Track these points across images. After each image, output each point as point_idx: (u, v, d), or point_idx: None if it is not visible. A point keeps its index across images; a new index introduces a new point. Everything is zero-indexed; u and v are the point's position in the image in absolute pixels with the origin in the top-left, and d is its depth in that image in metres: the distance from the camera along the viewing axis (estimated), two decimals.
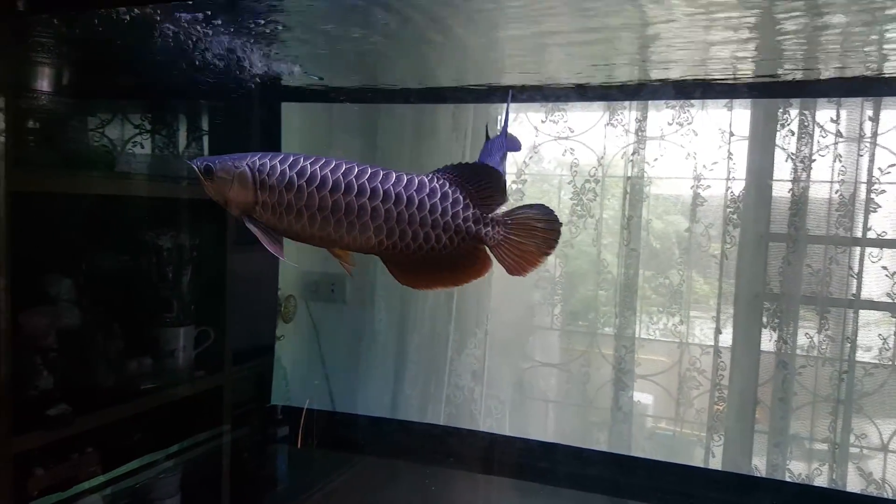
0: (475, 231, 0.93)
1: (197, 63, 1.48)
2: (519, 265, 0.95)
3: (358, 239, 0.98)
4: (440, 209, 0.92)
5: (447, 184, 0.94)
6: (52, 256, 1.55)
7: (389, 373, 2.10)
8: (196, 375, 1.76)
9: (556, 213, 0.97)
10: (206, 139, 1.88)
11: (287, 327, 2.14)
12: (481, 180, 0.95)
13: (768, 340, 1.81)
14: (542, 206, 0.98)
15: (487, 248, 0.95)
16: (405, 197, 0.93)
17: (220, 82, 1.58)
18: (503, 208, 0.96)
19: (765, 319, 1.82)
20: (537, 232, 0.95)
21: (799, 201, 1.77)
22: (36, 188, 1.40)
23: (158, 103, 1.78)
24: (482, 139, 2.01)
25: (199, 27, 1.40)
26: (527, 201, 2.00)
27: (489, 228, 0.93)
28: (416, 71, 1.83)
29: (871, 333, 1.81)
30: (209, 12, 1.33)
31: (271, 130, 1.89)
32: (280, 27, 1.41)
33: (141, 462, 1.67)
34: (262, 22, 1.38)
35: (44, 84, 1.43)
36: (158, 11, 1.32)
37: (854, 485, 1.76)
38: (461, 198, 0.93)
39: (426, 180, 0.95)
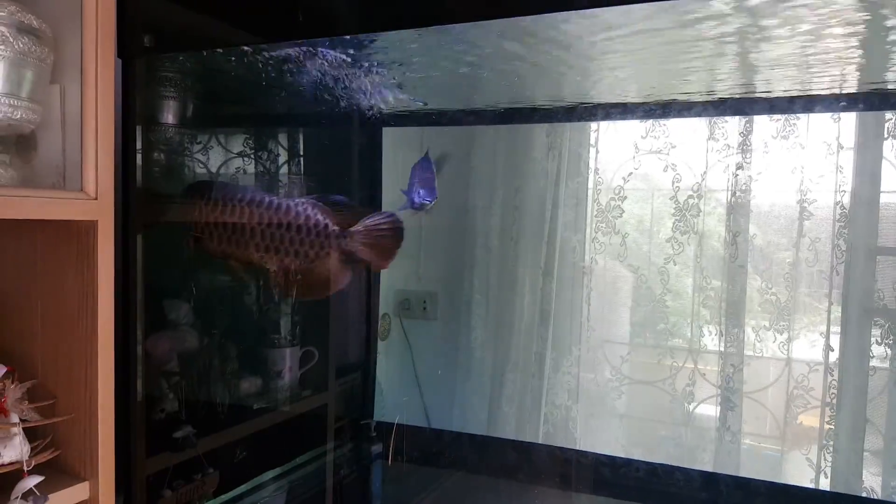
0: (335, 242, 1.22)
1: (308, 93, 1.52)
2: (377, 262, 1.29)
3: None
4: (305, 229, 1.20)
5: (309, 208, 1.22)
6: (171, 282, 1.60)
7: (485, 390, 2.10)
8: (302, 395, 1.80)
9: (396, 216, 1.28)
10: (315, 164, 1.91)
11: (382, 345, 2.17)
12: (338, 204, 1.27)
13: (882, 357, 1.76)
14: (387, 213, 1.26)
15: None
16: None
17: (328, 110, 1.61)
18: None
19: (877, 335, 1.76)
20: (384, 234, 1.25)
21: None
22: (162, 218, 1.45)
23: (267, 130, 1.82)
24: (576, 160, 2.02)
25: (312, 59, 1.43)
26: (626, 218, 1.99)
27: (345, 239, 1.23)
28: (511, 91, 1.83)
29: None
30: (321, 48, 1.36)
31: (373, 155, 1.91)
32: (385, 56, 1.43)
33: (252, 483, 1.71)
34: (370, 53, 1.40)
35: (168, 117, 1.47)
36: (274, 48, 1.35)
37: None
38: (321, 219, 1.21)
39: (293, 205, 1.23)
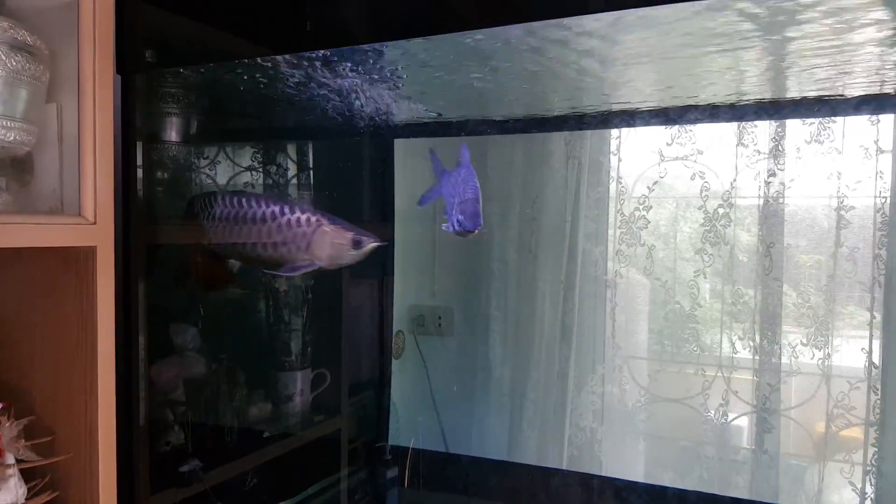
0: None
1: (316, 106, 1.46)
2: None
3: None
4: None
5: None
6: (176, 305, 1.54)
7: (505, 411, 2.01)
8: (315, 419, 1.72)
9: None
10: (325, 177, 1.85)
11: (396, 363, 2.09)
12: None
13: None
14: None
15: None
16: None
17: (337, 122, 1.55)
18: None
19: None
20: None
21: None
22: (165, 240, 1.39)
23: (279, 144, 1.77)
24: (597, 169, 1.94)
25: (320, 71, 1.37)
26: (651, 228, 1.91)
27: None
28: (528, 99, 1.76)
29: None
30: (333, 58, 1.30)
31: (385, 165, 1.85)
32: (398, 68, 1.37)
33: None
34: (381, 66, 1.35)
35: (171, 134, 1.42)
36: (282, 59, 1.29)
37: None
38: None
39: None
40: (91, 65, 1.08)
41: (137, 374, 1.21)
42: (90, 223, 1.09)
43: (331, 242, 1.16)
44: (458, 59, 1.35)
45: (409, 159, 1.98)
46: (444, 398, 2.11)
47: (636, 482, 1.87)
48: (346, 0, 1.22)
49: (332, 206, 1.87)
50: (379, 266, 1.97)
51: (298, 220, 1.16)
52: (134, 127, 1.18)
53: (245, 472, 1.55)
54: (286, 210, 1.17)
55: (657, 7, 1.12)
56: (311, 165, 1.75)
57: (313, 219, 1.16)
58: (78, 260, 1.10)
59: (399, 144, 1.91)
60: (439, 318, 2.12)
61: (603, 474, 1.91)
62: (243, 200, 1.22)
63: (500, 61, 1.37)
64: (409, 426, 2.10)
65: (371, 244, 1.18)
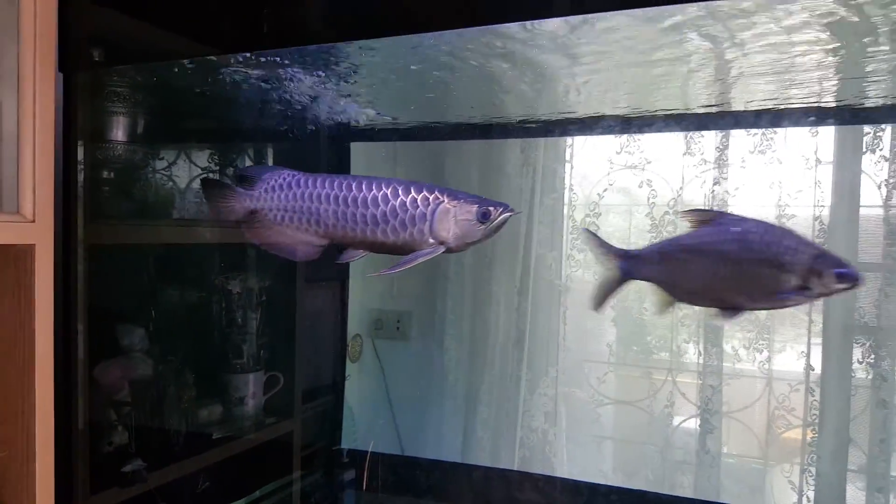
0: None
1: (270, 107, 1.47)
2: None
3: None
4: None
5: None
6: (124, 306, 1.53)
7: (460, 414, 2.03)
8: (266, 422, 1.72)
9: None
10: None
11: (353, 367, 2.10)
12: None
13: (863, 376, 1.71)
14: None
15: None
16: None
17: (292, 125, 1.56)
18: None
19: (858, 354, 1.72)
20: None
21: (894, 229, 1.68)
22: (110, 240, 1.38)
23: (229, 146, 1.77)
24: (551, 176, 1.97)
25: (273, 74, 1.38)
26: (601, 234, 1.94)
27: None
28: (484, 105, 1.79)
29: None
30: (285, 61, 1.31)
31: (341, 170, 1.86)
32: (352, 72, 1.39)
33: None
34: (335, 69, 1.36)
35: (118, 134, 1.41)
36: (233, 60, 1.30)
37: None
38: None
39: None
40: (31, 62, 1.07)
41: (77, 374, 1.20)
42: (29, 221, 1.08)
43: (455, 220, 1.05)
44: (413, 65, 1.37)
45: (367, 163, 1.99)
46: (401, 401, 2.12)
47: (585, 482, 1.90)
48: (299, 1, 1.23)
49: None
50: (335, 269, 1.97)
51: (414, 200, 1.06)
52: (76, 125, 1.18)
53: (193, 474, 1.54)
54: (399, 192, 1.07)
55: (610, 17, 1.16)
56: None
57: (430, 196, 1.05)
58: (16, 258, 1.09)
59: (357, 148, 1.92)
60: (398, 321, 2.13)
61: (554, 475, 1.94)
62: (343, 184, 1.11)
63: (454, 68, 1.39)
64: (366, 429, 2.10)
65: (502, 215, 1.05)
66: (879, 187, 1.69)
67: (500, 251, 2.02)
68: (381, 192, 1.06)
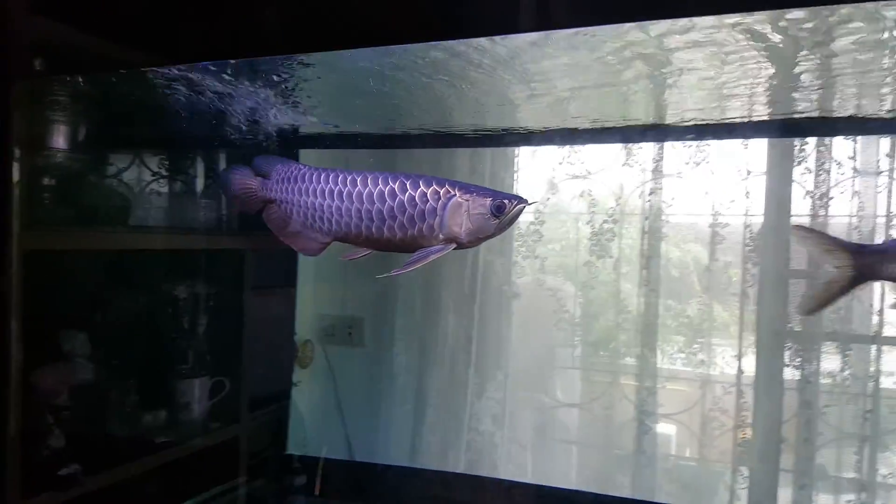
0: None
1: (214, 114, 1.49)
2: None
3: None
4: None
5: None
6: (67, 312, 1.53)
7: (409, 418, 2.06)
8: (212, 427, 1.73)
9: None
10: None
11: (304, 373, 2.11)
12: None
13: (792, 379, 1.79)
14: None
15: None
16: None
17: (237, 132, 1.58)
18: None
19: (787, 357, 1.80)
20: None
21: None
22: (50, 246, 1.39)
23: (174, 155, 1.78)
24: (499, 184, 2.02)
25: (215, 80, 1.40)
26: (545, 242, 2.00)
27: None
28: (433, 115, 1.83)
29: (894, 369, 1.78)
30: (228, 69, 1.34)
31: None
32: (296, 79, 1.42)
33: None
34: (278, 77, 1.39)
35: (59, 141, 1.42)
36: (174, 69, 1.32)
37: None
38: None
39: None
40: None
41: (10, 379, 1.21)
42: None
43: (468, 214, 1.00)
44: (360, 74, 1.41)
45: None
46: (352, 407, 2.15)
47: (529, 483, 1.95)
48: (244, 11, 1.25)
49: (226, 216, 1.87)
50: (282, 275, 1.99)
51: (424, 195, 1.01)
52: (11, 133, 1.19)
53: (135, 477, 1.55)
54: (408, 186, 1.02)
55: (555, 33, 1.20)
56: (206, 175, 1.77)
57: (441, 190, 1.01)
58: None
59: (307, 155, 1.94)
60: (350, 327, 2.15)
61: (499, 477, 1.98)
62: (349, 178, 1.05)
63: (404, 79, 1.42)
64: (316, 435, 2.12)
65: (516, 207, 1.00)
66: (804, 197, 1.77)
67: (450, 258, 2.06)
68: (389, 187, 1.02)
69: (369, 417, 2.11)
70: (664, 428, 1.92)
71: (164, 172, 1.85)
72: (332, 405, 2.14)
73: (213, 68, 1.33)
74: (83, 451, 1.43)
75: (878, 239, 1.73)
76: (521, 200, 1.02)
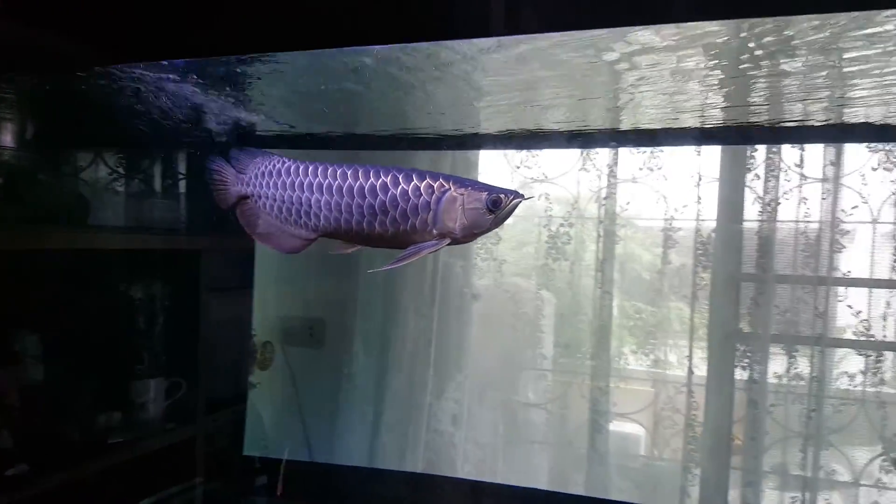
0: None
1: (167, 115, 1.48)
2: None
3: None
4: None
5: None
6: (18, 312, 1.52)
7: (368, 419, 2.08)
8: (167, 428, 1.72)
9: None
10: (179, 189, 1.86)
11: (264, 374, 2.11)
12: None
13: (741, 379, 1.84)
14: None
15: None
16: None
17: (190, 133, 1.58)
18: None
19: (737, 358, 1.85)
20: None
21: (766, 242, 1.81)
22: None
23: (128, 155, 1.77)
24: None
25: (167, 80, 1.40)
26: (502, 245, 2.03)
27: None
28: (394, 117, 1.84)
29: (838, 370, 1.84)
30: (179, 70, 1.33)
31: None
32: (251, 80, 1.42)
33: None
34: (232, 75, 1.39)
35: (6, 139, 1.40)
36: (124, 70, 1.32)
37: None
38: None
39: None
40: None
41: None
42: None
43: (463, 209, 0.98)
44: (313, 74, 1.41)
45: None
46: (311, 407, 2.15)
47: (487, 482, 1.97)
48: (192, 11, 1.25)
49: (182, 217, 1.86)
50: (239, 276, 1.99)
51: (417, 189, 0.98)
52: None
53: (88, 478, 1.54)
54: (400, 180, 0.98)
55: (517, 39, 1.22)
56: (167, 177, 1.76)
57: (435, 185, 0.98)
58: None
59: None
60: (311, 328, 2.16)
61: (458, 476, 2.01)
62: (338, 172, 1.01)
63: (365, 81, 1.42)
64: (275, 436, 2.12)
65: (512, 202, 0.98)
66: (753, 203, 1.83)
67: None
68: (381, 181, 0.99)
69: (329, 418, 2.12)
70: (618, 427, 1.96)
71: (119, 172, 1.84)
72: (292, 406, 2.14)
73: (164, 64, 1.32)
74: (33, 451, 1.42)
75: (824, 244, 1.80)
76: (517, 195, 1.00)
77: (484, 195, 0.98)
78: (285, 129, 1.71)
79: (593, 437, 1.91)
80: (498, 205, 0.98)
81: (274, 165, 1.06)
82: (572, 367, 1.99)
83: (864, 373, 1.80)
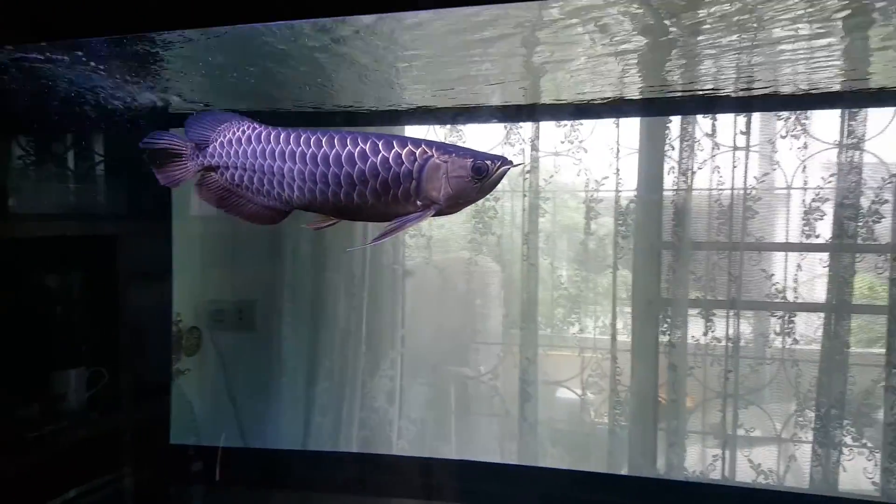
0: None
1: (73, 96, 1.43)
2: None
3: None
4: None
5: None
6: None
7: (300, 401, 2.07)
8: (90, 418, 1.68)
9: None
10: (95, 173, 1.80)
11: (192, 360, 2.08)
12: None
13: (663, 343, 1.91)
14: None
15: None
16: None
17: (101, 113, 1.53)
18: None
19: (659, 324, 1.91)
20: None
21: (681, 211, 1.87)
22: None
23: (40, 138, 1.70)
24: None
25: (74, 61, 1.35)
26: (431, 220, 2.04)
27: None
28: (314, 93, 1.82)
29: (753, 332, 1.93)
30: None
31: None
32: (161, 59, 1.38)
33: None
34: (141, 55, 1.35)
35: None
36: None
37: (745, 476, 1.88)
38: None
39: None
40: None
41: None
42: None
43: (447, 177, 0.91)
44: (233, 53, 1.38)
45: None
46: (243, 392, 2.13)
47: (421, 457, 2.00)
48: None
49: (98, 201, 1.80)
50: (158, 261, 1.94)
51: (398, 156, 0.91)
52: None
53: (8, 472, 1.49)
54: (380, 147, 0.92)
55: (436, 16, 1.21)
56: (83, 160, 1.70)
57: (417, 151, 0.91)
58: None
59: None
60: (240, 311, 2.13)
61: (393, 453, 2.03)
62: (312, 139, 0.94)
63: (281, 57, 1.40)
64: (208, 423, 2.09)
65: (499, 169, 0.92)
66: (669, 173, 1.88)
67: (338, 238, 2.07)
68: (359, 148, 0.93)
69: (262, 402, 2.10)
70: (549, 394, 2.01)
71: (32, 156, 1.77)
72: (223, 392, 2.12)
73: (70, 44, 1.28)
74: None
75: (737, 210, 1.87)
76: (504, 161, 0.94)
77: (469, 162, 0.93)
78: (199, 107, 1.67)
79: (524, 407, 1.96)
80: (484, 172, 0.93)
81: (243, 132, 0.98)
82: (504, 338, 2.03)
83: (777, 333, 1.89)
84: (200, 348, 2.09)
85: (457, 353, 2.09)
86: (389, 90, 1.83)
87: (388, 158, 0.92)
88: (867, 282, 1.90)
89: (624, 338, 1.94)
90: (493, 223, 1.97)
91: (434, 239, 2.02)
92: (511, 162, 0.94)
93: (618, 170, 1.91)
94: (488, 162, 0.93)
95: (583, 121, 1.91)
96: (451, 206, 0.94)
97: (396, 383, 2.06)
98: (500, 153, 1.96)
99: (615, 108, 1.86)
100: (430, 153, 0.93)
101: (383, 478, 1.97)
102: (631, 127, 1.94)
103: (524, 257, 1.95)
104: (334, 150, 0.93)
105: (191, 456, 1.98)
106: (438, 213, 0.95)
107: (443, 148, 0.94)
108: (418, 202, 0.93)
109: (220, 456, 1.98)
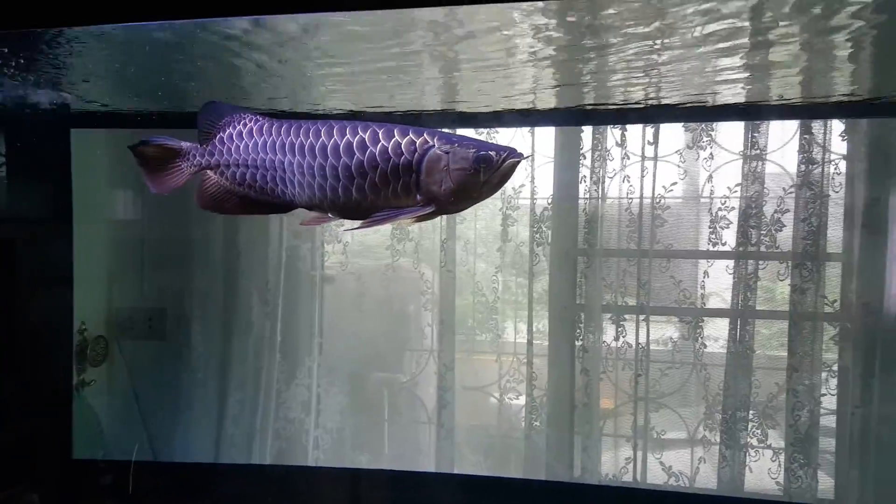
0: None
1: None
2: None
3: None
4: None
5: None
6: None
7: (212, 411, 2.01)
8: None
9: None
10: None
11: (99, 371, 1.99)
12: None
13: (577, 347, 1.94)
14: None
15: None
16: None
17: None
18: None
19: (573, 328, 1.94)
20: None
21: (593, 219, 1.91)
22: None
23: None
24: None
25: None
26: (348, 226, 2.02)
27: None
28: (229, 95, 1.78)
29: (662, 337, 1.98)
30: None
31: (60, 155, 1.74)
32: (53, 57, 1.33)
33: None
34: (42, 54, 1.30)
35: None
36: None
37: (657, 479, 1.91)
38: None
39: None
40: None
41: None
42: None
43: (448, 170, 0.84)
44: (136, 50, 1.34)
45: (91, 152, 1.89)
46: (152, 404, 2.05)
47: (335, 468, 1.97)
48: None
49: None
50: (59, 266, 1.86)
51: (398, 146, 0.85)
52: None
53: None
54: (380, 136, 0.86)
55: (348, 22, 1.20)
56: None
57: (418, 141, 0.85)
58: None
59: (80, 136, 1.81)
60: (150, 320, 2.05)
61: (309, 464, 1.99)
62: (301, 130, 0.88)
63: (190, 58, 1.36)
64: (115, 436, 2.00)
65: (506, 161, 0.84)
66: (581, 181, 1.92)
67: (252, 245, 2.02)
68: (358, 137, 0.87)
69: (172, 413, 2.03)
70: (464, 402, 2.01)
71: None
72: (131, 404, 2.03)
73: None
74: None
75: (646, 218, 1.92)
76: (512, 153, 0.86)
77: (471, 153, 0.85)
78: (98, 108, 1.62)
79: (439, 412, 1.95)
80: (489, 163, 0.84)
81: (244, 125, 0.93)
82: (421, 344, 2.02)
83: (686, 339, 1.95)
84: (107, 358, 2.01)
85: (376, 360, 2.08)
86: (306, 94, 1.82)
87: (387, 148, 0.87)
88: (769, 288, 1.98)
89: (540, 342, 1.96)
90: (411, 230, 1.97)
91: (351, 245, 2.00)
92: (521, 154, 0.87)
93: (533, 178, 1.94)
94: (493, 153, 0.85)
95: (498, 130, 1.93)
96: (455, 202, 0.87)
97: (313, 392, 2.03)
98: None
99: (531, 116, 1.90)
100: (430, 143, 0.86)
101: (299, 489, 1.93)
102: (546, 136, 1.98)
103: (442, 264, 1.95)
104: (332, 140, 0.88)
105: (100, 470, 1.90)
106: (442, 211, 0.89)
107: (446, 138, 0.87)
108: (419, 197, 0.87)
109: (132, 469, 1.90)
